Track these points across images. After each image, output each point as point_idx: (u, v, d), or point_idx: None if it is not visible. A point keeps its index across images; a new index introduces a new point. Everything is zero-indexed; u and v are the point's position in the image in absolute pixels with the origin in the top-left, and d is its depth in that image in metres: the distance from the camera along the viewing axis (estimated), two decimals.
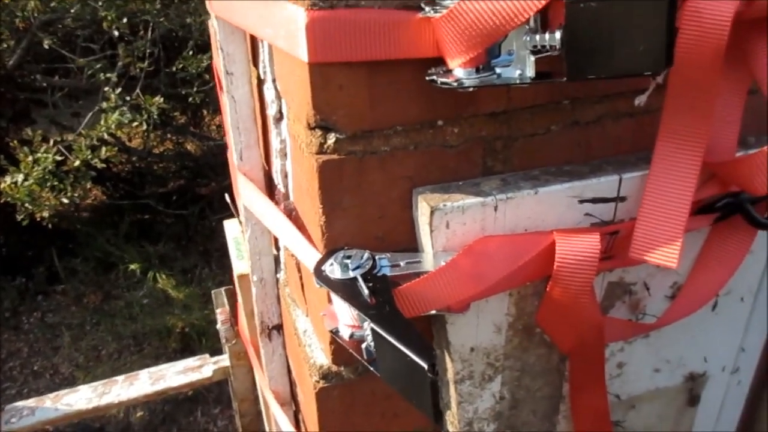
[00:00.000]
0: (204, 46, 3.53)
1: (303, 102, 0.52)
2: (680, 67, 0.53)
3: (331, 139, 0.53)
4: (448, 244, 0.55)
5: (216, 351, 1.53)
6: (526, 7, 0.44)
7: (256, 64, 0.70)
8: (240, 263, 0.90)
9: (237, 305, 1.12)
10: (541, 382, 0.67)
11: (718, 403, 0.80)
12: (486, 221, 0.55)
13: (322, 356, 0.65)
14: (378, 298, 0.50)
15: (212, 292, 1.39)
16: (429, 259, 0.55)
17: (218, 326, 1.33)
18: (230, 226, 1.01)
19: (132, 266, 4.08)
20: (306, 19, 0.47)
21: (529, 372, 0.66)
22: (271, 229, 0.68)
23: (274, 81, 0.65)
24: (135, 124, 3.69)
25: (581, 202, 0.58)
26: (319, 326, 0.65)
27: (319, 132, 0.53)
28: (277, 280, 0.79)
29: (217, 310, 1.35)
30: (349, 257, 0.54)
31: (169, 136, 4.45)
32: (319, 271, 0.54)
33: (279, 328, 0.83)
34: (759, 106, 0.61)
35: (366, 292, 0.50)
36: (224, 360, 1.37)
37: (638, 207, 0.58)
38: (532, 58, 0.47)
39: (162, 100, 3.37)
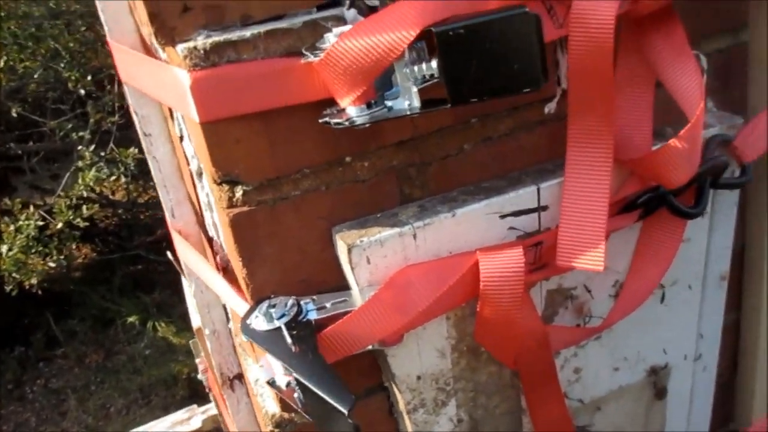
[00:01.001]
0: None
1: (204, 159, 0.52)
2: (575, 72, 0.53)
3: (239, 191, 0.53)
4: (372, 279, 0.55)
5: None
6: (398, 41, 0.44)
7: (173, 120, 0.70)
8: (195, 317, 0.90)
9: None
10: (497, 399, 0.67)
11: (687, 391, 0.80)
12: (407, 250, 0.55)
13: (273, 404, 0.64)
14: (302, 346, 0.50)
15: (191, 342, 1.38)
16: (356, 296, 0.55)
17: (199, 376, 1.32)
18: (185, 282, 1.01)
19: (130, 319, 4.06)
20: (190, 80, 0.47)
21: (483, 391, 0.65)
22: (208, 283, 0.67)
23: (189, 138, 0.65)
24: (113, 177, 3.69)
25: (502, 217, 0.58)
26: (261, 377, 0.65)
27: (226, 187, 0.53)
28: (230, 330, 0.79)
29: (197, 360, 1.34)
30: (273, 306, 0.53)
31: (150, 184, 4.46)
32: (245, 325, 0.53)
33: (240, 377, 0.82)
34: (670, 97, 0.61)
35: (289, 341, 0.50)
36: (212, 408, 1.36)
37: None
38: (415, 89, 0.47)
39: (137, 150, 3.38)
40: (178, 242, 0.71)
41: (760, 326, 0.80)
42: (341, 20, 0.50)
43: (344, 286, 0.58)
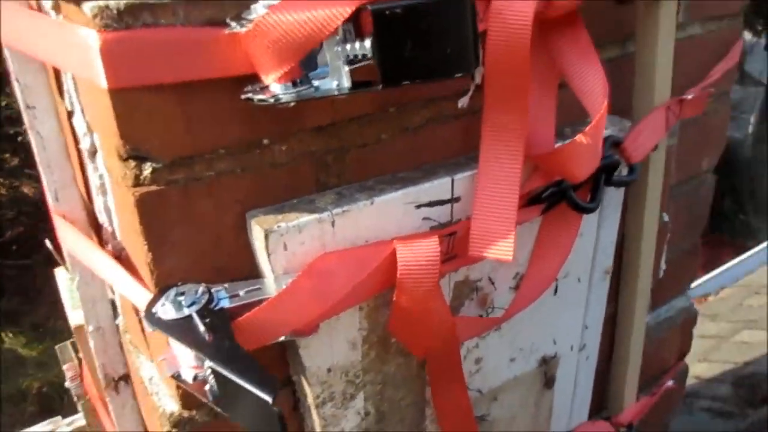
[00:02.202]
0: None
1: (110, 132, 0.48)
2: (492, 67, 0.55)
3: (147, 169, 0.49)
4: (289, 266, 0.53)
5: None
6: (333, 17, 0.43)
7: (62, 94, 0.63)
8: (75, 313, 0.82)
9: (83, 366, 1.03)
10: (404, 392, 0.67)
11: (571, 380, 0.84)
12: (325, 237, 0.54)
13: (171, 402, 0.60)
14: (216, 334, 0.47)
15: (56, 347, 1.26)
16: (270, 285, 0.53)
17: (67, 383, 1.21)
18: (61, 274, 0.93)
19: None
20: (99, 41, 0.43)
21: (390, 383, 0.65)
22: (99, 274, 0.62)
23: (83, 112, 0.59)
24: None
25: (418, 207, 0.58)
26: (164, 371, 0.60)
27: (133, 163, 0.49)
28: (117, 326, 0.73)
29: (65, 366, 1.22)
30: (182, 294, 0.50)
31: (1, 180, 4.05)
32: (150, 314, 0.49)
33: (126, 378, 0.76)
34: (570, 99, 0.65)
35: (202, 329, 0.47)
36: (79, 419, 1.25)
37: (472, 206, 0.59)
38: (347, 68, 0.46)
39: None
40: (62, 228, 0.65)
41: (634, 318, 0.87)
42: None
43: (258, 275, 0.55)
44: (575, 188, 0.64)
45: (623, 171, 0.70)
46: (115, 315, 0.73)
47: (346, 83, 0.46)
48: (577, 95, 0.60)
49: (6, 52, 0.60)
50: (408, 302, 0.56)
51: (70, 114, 0.63)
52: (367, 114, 0.57)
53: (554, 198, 0.63)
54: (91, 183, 0.64)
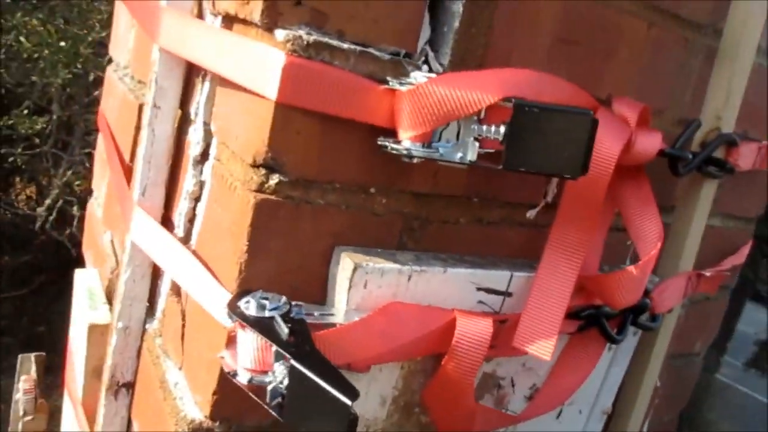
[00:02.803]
0: (41, 110, 3.30)
1: (255, 139, 0.54)
2: (572, 190, 0.63)
3: (274, 179, 0.54)
4: (361, 303, 0.57)
5: None
6: (482, 99, 0.51)
7: (183, 105, 0.70)
8: (93, 313, 0.82)
9: (65, 368, 1.00)
10: None
11: None
12: (399, 288, 0.58)
13: (195, 410, 0.61)
14: (297, 339, 0.50)
15: (19, 356, 1.22)
16: (341, 315, 0.57)
17: (18, 396, 1.16)
18: (83, 275, 0.93)
19: None
20: (284, 61, 0.50)
21: None
22: (169, 268, 0.65)
23: (205, 123, 0.65)
24: None
25: (478, 289, 0.63)
26: (199, 377, 0.61)
27: (263, 171, 0.54)
28: (144, 331, 0.74)
29: (22, 377, 1.18)
30: (266, 298, 0.53)
31: None
32: (234, 306, 0.52)
33: (129, 386, 0.75)
34: (614, 241, 0.73)
35: (286, 331, 0.50)
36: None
37: (521, 303, 0.65)
38: (477, 144, 0.53)
39: None
40: (142, 221, 0.68)
41: None
42: (416, 69, 0.57)
43: (325, 304, 0.59)
44: (608, 317, 0.70)
45: (646, 318, 0.77)
46: (147, 319, 0.74)
47: (472, 156, 0.54)
48: (631, 234, 0.68)
49: (155, 55, 0.67)
50: (453, 371, 0.59)
51: (187, 122, 0.69)
52: (456, 196, 0.64)
53: (590, 319, 0.69)
54: (181, 190, 0.68)
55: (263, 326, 0.51)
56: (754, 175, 0.96)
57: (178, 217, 0.68)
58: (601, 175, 0.61)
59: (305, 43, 0.51)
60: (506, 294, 0.66)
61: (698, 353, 1.06)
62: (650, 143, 0.66)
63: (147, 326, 0.74)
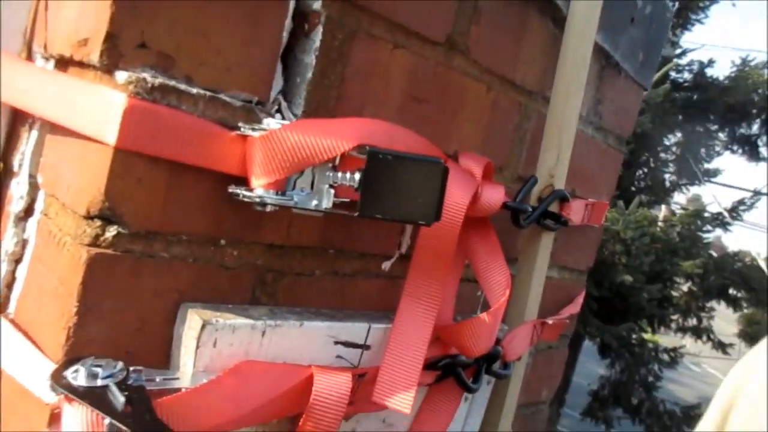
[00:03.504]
0: None
1: (90, 188, 0.49)
2: (423, 242, 0.64)
3: (111, 231, 0.49)
4: (210, 364, 0.52)
5: None
6: (337, 146, 0.51)
7: (4, 156, 0.62)
8: None
9: None
10: None
11: None
12: (252, 345, 0.55)
13: None
14: (134, 408, 0.44)
15: None
16: (187, 378, 0.52)
17: None
18: None
19: None
20: (125, 104, 0.47)
21: None
22: None
23: (30, 175, 0.59)
24: None
25: (336, 343, 0.61)
26: None
27: (98, 222, 0.49)
28: None
29: None
30: (98, 366, 0.47)
31: None
32: (59, 377, 0.46)
33: None
34: (465, 292, 0.75)
35: (122, 400, 0.44)
36: None
37: (379, 356, 0.64)
38: (332, 191, 0.53)
39: None
40: None
41: None
42: (269, 116, 0.55)
43: (168, 368, 0.54)
44: (465, 366, 0.71)
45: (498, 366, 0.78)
46: None
47: (327, 204, 0.53)
48: (481, 283, 0.70)
49: None
50: (312, 430, 0.56)
51: (2, 179, 0.61)
52: (311, 247, 0.62)
53: (447, 369, 0.69)
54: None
55: (95, 397, 0.45)
56: (584, 230, 1.04)
57: None
58: (451, 224, 0.63)
59: (149, 85, 0.48)
60: (364, 347, 0.64)
61: (545, 401, 1.10)
62: (495, 195, 0.70)
63: None
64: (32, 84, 0.55)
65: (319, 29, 0.59)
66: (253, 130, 0.51)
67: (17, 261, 0.59)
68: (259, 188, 0.52)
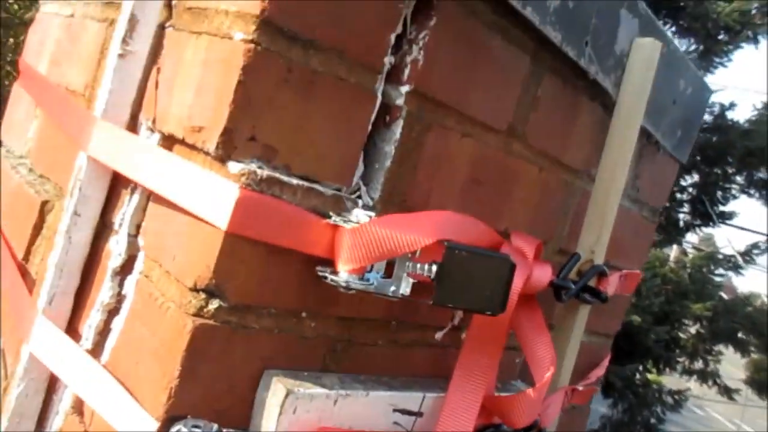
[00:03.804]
0: None
1: (199, 264, 0.55)
2: (480, 319, 0.69)
3: (214, 304, 0.55)
4: (288, 428, 0.58)
5: None
6: (417, 242, 0.57)
7: (103, 213, 0.68)
8: None
9: None
10: None
11: None
12: (324, 412, 0.60)
13: None
14: None
15: None
16: None
17: None
18: None
19: None
20: (238, 194, 0.53)
21: None
22: (76, 385, 0.61)
23: (129, 234, 0.65)
24: None
25: (394, 411, 0.66)
26: None
27: (203, 295, 0.55)
28: None
29: None
30: (198, 427, 0.53)
31: None
32: None
33: None
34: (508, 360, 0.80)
35: None
36: None
37: (431, 423, 0.69)
38: (411, 280, 0.58)
39: None
40: (46, 331, 0.64)
41: None
42: (355, 206, 0.61)
43: (247, 428, 0.59)
44: None
45: None
46: None
47: (406, 291, 0.58)
48: (527, 357, 0.75)
49: (83, 162, 0.66)
50: None
51: (110, 232, 0.67)
52: (376, 320, 0.68)
53: None
54: (94, 299, 0.66)
55: None
56: (615, 298, 1.09)
57: (87, 329, 0.66)
58: (508, 306, 0.68)
59: (259, 177, 0.54)
60: (418, 414, 0.69)
61: None
62: (544, 276, 0.75)
63: None
64: (141, 157, 0.61)
65: (400, 122, 0.65)
66: (344, 221, 0.57)
67: (111, 312, 0.65)
68: (344, 272, 0.57)
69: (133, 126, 0.67)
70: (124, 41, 0.65)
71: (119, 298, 0.64)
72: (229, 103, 0.54)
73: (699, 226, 6.42)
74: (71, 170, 0.67)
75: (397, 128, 0.65)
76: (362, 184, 0.64)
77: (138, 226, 0.64)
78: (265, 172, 0.55)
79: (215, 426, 0.54)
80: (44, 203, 0.78)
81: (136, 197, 0.65)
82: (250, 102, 0.55)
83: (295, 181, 0.57)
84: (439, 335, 0.75)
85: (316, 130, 0.59)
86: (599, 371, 1.06)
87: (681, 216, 6.42)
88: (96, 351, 0.65)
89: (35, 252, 0.78)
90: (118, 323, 0.63)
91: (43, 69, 0.94)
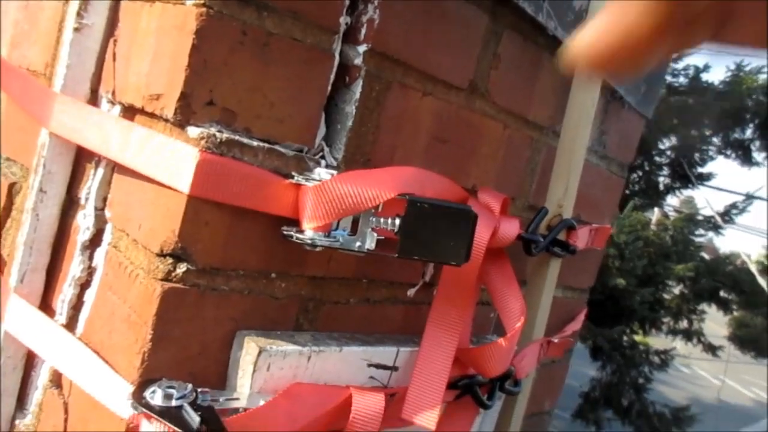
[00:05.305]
0: None
1: (164, 229, 0.55)
2: (449, 273, 0.71)
3: (182, 268, 0.56)
4: (264, 386, 0.59)
5: None
6: (379, 196, 0.58)
7: (69, 189, 0.69)
8: None
9: None
10: None
11: None
12: (299, 369, 0.61)
13: None
14: (209, 426, 0.51)
15: None
16: (245, 399, 0.58)
17: None
18: None
19: None
20: (198, 157, 0.53)
21: None
22: (53, 359, 0.62)
23: (96, 208, 0.65)
24: None
25: (369, 365, 0.68)
26: None
27: (170, 259, 0.55)
28: (13, 427, 0.69)
29: None
30: (172, 387, 0.54)
31: None
32: (139, 397, 0.52)
33: None
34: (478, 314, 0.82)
35: (197, 419, 0.51)
36: None
37: (406, 377, 0.70)
38: (375, 235, 0.59)
39: None
40: (20, 309, 0.65)
41: None
42: (317, 165, 0.62)
43: (224, 388, 0.60)
44: (480, 385, 0.77)
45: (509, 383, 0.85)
46: (17, 414, 0.69)
47: (371, 245, 0.59)
48: (498, 309, 0.77)
49: (45, 139, 0.66)
50: None
51: (75, 207, 0.68)
52: (347, 278, 0.69)
53: (465, 388, 0.76)
54: (65, 274, 0.66)
55: (171, 416, 0.51)
56: (587, 252, 1.11)
57: (60, 304, 0.66)
58: (474, 258, 0.69)
59: (218, 140, 0.55)
60: (393, 368, 0.71)
61: (548, 411, 1.17)
62: (511, 229, 0.76)
63: (17, 422, 0.69)
64: (102, 129, 0.61)
65: (359, 82, 0.65)
66: (306, 179, 0.58)
67: (84, 285, 0.65)
68: (309, 230, 0.58)
69: (93, 100, 0.67)
70: (79, 15, 0.65)
71: (90, 271, 0.65)
72: (185, 68, 0.54)
73: (679, 188, 6.50)
74: (36, 149, 0.67)
75: (357, 88, 0.66)
76: (325, 145, 0.65)
77: (104, 199, 0.65)
78: (225, 135, 0.55)
79: (190, 386, 0.55)
80: (12, 185, 0.78)
81: (100, 170, 0.65)
82: (205, 66, 0.55)
83: (255, 142, 0.57)
84: (411, 292, 0.77)
85: (274, 91, 0.59)
86: (575, 325, 1.09)
87: (661, 179, 6.49)
88: (71, 324, 0.65)
89: (5, 235, 0.78)
90: (90, 295, 0.64)
91: (5, 53, 0.93)
